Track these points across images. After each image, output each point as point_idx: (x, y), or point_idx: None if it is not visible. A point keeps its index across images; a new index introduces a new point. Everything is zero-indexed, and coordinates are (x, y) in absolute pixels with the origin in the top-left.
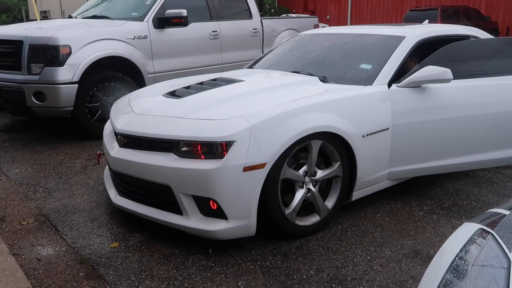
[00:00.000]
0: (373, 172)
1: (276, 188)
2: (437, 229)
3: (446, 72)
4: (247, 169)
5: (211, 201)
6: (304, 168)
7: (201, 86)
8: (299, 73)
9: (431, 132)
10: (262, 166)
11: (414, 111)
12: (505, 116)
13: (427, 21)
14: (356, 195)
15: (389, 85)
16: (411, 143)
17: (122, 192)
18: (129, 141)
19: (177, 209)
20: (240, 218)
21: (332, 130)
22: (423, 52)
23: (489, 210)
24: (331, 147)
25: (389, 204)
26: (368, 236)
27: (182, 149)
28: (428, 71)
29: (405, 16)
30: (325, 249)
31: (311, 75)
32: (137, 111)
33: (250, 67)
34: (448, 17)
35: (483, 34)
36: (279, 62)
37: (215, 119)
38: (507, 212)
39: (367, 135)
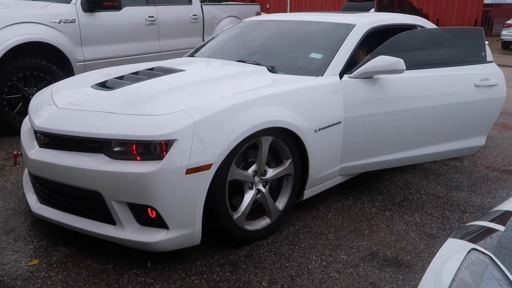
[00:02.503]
0: (325, 168)
1: (223, 191)
2: (391, 227)
3: (399, 62)
4: (190, 171)
5: (149, 209)
6: (253, 167)
7: (136, 76)
8: (245, 62)
9: (384, 125)
10: (207, 167)
11: (366, 103)
12: (454, 108)
13: (373, 9)
14: (308, 193)
15: (341, 76)
16: (363, 137)
17: (44, 199)
18: (50, 140)
19: (109, 219)
20: (183, 227)
21: (284, 125)
22: (370, 41)
23: (473, 223)
24: (282, 144)
25: (340, 201)
26: (321, 238)
27: (114, 149)
28: (381, 61)
29: (343, 6)
30: (277, 256)
31: (258, 64)
32: (60, 105)
33: (191, 55)
34: (383, 8)
35: (428, 24)
36: (223, 50)
37: (152, 114)
38: (499, 228)
39: (319, 129)
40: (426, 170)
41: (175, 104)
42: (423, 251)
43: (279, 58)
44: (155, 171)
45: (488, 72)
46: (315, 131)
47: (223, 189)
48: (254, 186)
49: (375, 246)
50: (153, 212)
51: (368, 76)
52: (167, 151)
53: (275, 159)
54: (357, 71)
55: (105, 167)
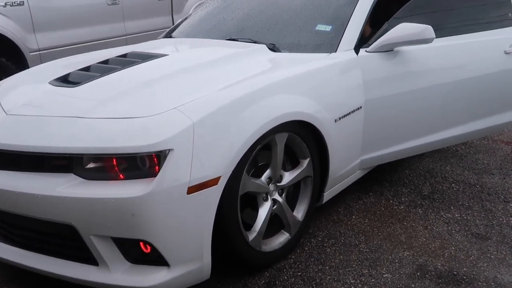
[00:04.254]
0: (346, 164)
1: (235, 209)
2: (430, 229)
3: (427, 30)
4: (193, 189)
5: (141, 242)
6: (267, 173)
7: (106, 66)
8: (237, 40)
9: (409, 106)
10: (214, 181)
11: (388, 82)
12: (484, 79)
13: None
14: (327, 195)
15: (356, 50)
16: (387, 122)
17: (1, 235)
18: (0, 158)
19: (89, 258)
20: (189, 261)
21: (302, 117)
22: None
23: None
24: (298, 140)
25: (360, 198)
26: (353, 252)
27: (88, 166)
28: (404, 29)
29: None
30: (306, 282)
31: (254, 42)
32: (10, 110)
33: (169, 35)
34: None
35: None
36: (208, 27)
37: (135, 116)
38: None
39: (339, 118)
40: (445, 152)
41: (163, 100)
42: (479, 259)
43: (279, 33)
44: (147, 194)
45: None
46: (335, 120)
47: (234, 206)
48: (269, 197)
49: (419, 257)
50: (147, 246)
51: (389, 49)
52: (160, 165)
53: (289, 160)
54: (375, 44)
55: (77, 191)
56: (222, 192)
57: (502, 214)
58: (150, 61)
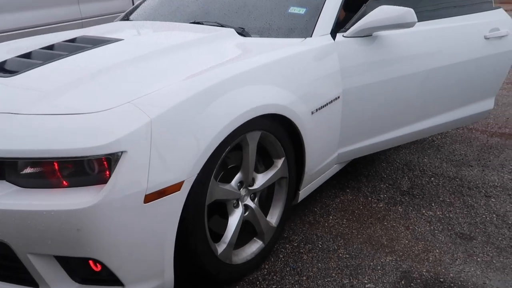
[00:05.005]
0: (323, 159)
1: (201, 219)
2: (412, 230)
3: (409, 13)
4: (151, 197)
5: (91, 261)
6: (238, 176)
7: (50, 52)
8: (203, 24)
9: (388, 95)
10: (176, 187)
11: (367, 70)
12: (465, 66)
13: None
14: (303, 194)
15: (333, 35)
16: (366, 112)
17: None
18: None
19: (28, 279)
20: (147, 279)
21: (278, 110)
22: None
23: None
24: (272, 139)
25: (337, 196)
26: (332, 258)
27: (24, 172)
28: (384, 13)
29: None
30: None
31: (221, 26)
32: None
33: (126, 18)
34: None
35: None
36: (169, 9)
37: (82, 112)
38: None
39: (316, 110)
40: (421, 143)
41: (116, 93)
42: (465, 263)
43: (248, 16)
44: (96, 205)
45: (497, 20)
46: (312, 113)
47: (200, 216)
48: (240, 203)
49: (403, 262)
50: (98, 264)
51: (367, 34)
52: (111, 170)
53: (262, 160)
54: (353, 28)
55: (10, 202)
56: (186, 200)
57: (485, 210)
58: (102, 47)
